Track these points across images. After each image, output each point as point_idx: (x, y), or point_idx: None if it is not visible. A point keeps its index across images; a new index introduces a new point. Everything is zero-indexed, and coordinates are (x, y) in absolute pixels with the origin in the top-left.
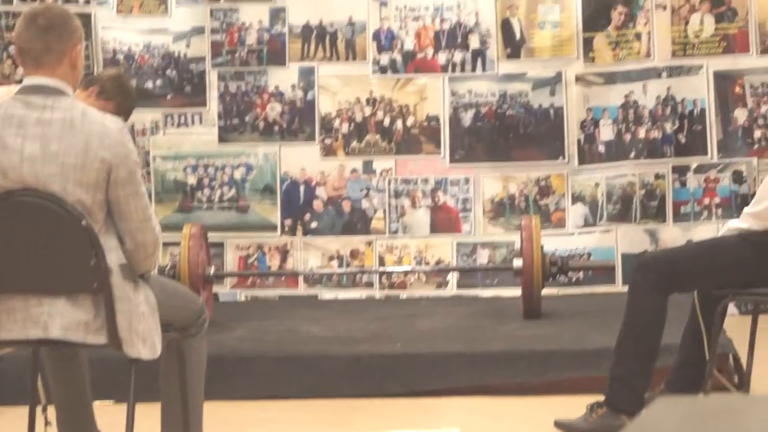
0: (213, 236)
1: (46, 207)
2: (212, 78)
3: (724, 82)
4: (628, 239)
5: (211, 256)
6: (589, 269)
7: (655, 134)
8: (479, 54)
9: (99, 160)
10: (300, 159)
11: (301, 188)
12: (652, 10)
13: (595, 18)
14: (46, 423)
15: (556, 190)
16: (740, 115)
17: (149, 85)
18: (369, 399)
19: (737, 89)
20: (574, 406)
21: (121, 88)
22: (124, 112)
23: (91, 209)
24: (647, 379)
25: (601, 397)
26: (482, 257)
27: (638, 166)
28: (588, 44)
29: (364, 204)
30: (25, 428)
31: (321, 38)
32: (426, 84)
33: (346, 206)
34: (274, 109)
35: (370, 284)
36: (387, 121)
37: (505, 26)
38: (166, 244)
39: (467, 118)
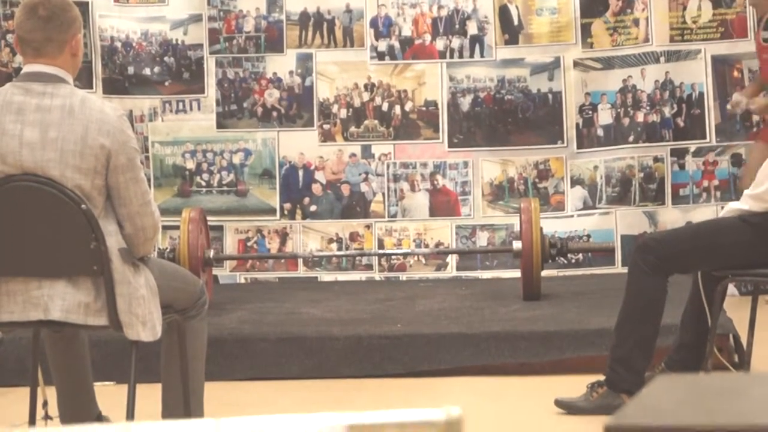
0: (212, 220)
1: (45, 191)
2: (210, 65)
3: (722, 66)
4: (627, 221)
5: (210, 240)
6: (588, 251)
7: (654, 118)
8: (477, 40)
9: (98, 146)
10: (298, 144)
11: (300, 172)
12: None
13: (592, 4)
14: (45, 403)
15: (555, 173)
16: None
17: (147, 72)
18: (369, 379)
19: (735, 73)
20: (575, 386)
21: None
22: None
23: (90, 194)
24: (647, 359)
25: (601, 377)
26: (481, 239)
27: (637, 149)
28: (586, 30)
29: (363, 188)
30: (26, 409)
31: (319, 25)
32: (424, 70)
33: (345, 190)
34: (272, 95)
35: (369, 267)
36: (385, 107)
37: (503, 12)
38: (165, 228)
39: (466, 103)
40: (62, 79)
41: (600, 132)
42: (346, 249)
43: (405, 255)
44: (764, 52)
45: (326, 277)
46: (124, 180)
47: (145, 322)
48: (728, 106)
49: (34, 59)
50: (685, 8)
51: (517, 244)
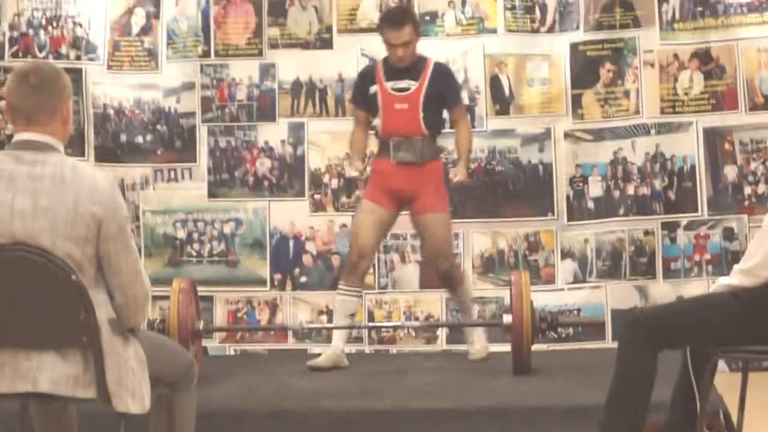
0: (202, 290)
1: (36, 262)
2: (202, 133)
3: (714, 138)
4: (617, 295)
5: (200, 311)
6: (578, 325)
7: (644, 191)
8: (468, 110)
9: (89, 215)
10: (289, 214)
11: (291, 243)
12: (640, 68)
13: (583, 75)
14: None
15: (545, 245)
16: (730, 172)
17: (139, 140)
18: None
19: (727, 146)
20: None
21: None
22: None
23: (81, 263)
24: None
25: None
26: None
27: (627, 222)
28: (577, 101)
29: None
30: None
31: (311, 94)
32: None
33: (336, 261)
34: (263, 165)
35: (359, 339)
36: None
37: (494, 83)
38: (155, 298)
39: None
40: (53, 147)
41: (591, 204)
42: None
43: (395, 328)
44: (396, 102)
45: (316, 349)
46: (114, 249)
47: (134, 394)
48: (353, 173)
49: (25, 127)
50: (676, 80)
51: (507, 318)
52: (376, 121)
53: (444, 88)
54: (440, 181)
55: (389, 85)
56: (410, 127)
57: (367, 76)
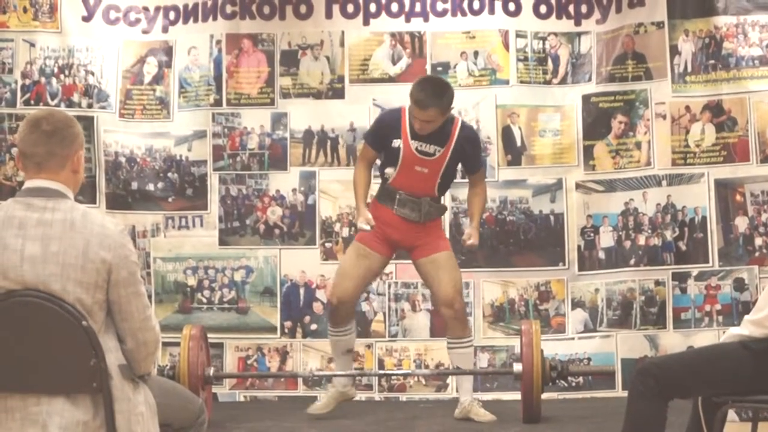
0: (213, 337)
1: (46, 307)
2: (213, 181)
3: (725, 190)
4: (628, 345)
5: (210, 357)
6: (588, 374)
7: (655, 241)
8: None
9: (99, 260)
10: (300, 262)
11: (301, 291)
12: (652, 120)
13: (595, 127)
14: None
15: (556, 295)
16: (741, 223)
17: (151, 187)
18: None
19: (738, 197)
20: None
21: None
22: None
23: (91, 309)
24: None
25: None
26: (482, 361)
27: (638, 272)
28: (588, 152)
29: (364, 307)
30: None
31: (322, 143)
32: None
33: None
34: (274, 213)
35: (369, 387)
36: None
37: (506, 133)
38: (165, 345)
39: (468, 223)
40: (63, 194)
41: (601, 254)
42: None
43: (405, 375)
44: (417, 165)
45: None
46: (125, 294)
47: None
48: (365, 227)
49: (35, 174)
50: (687, 132)
51: (517, 367)
52: (389, 170)
53: (469, 154)
54: (439, 227)
55: (414, 144)
56: (423, 190)
57: (392, 126)
